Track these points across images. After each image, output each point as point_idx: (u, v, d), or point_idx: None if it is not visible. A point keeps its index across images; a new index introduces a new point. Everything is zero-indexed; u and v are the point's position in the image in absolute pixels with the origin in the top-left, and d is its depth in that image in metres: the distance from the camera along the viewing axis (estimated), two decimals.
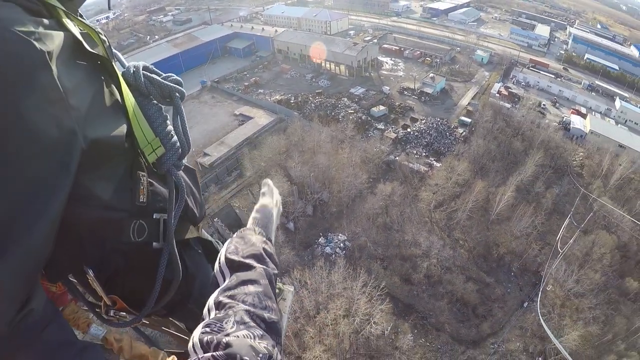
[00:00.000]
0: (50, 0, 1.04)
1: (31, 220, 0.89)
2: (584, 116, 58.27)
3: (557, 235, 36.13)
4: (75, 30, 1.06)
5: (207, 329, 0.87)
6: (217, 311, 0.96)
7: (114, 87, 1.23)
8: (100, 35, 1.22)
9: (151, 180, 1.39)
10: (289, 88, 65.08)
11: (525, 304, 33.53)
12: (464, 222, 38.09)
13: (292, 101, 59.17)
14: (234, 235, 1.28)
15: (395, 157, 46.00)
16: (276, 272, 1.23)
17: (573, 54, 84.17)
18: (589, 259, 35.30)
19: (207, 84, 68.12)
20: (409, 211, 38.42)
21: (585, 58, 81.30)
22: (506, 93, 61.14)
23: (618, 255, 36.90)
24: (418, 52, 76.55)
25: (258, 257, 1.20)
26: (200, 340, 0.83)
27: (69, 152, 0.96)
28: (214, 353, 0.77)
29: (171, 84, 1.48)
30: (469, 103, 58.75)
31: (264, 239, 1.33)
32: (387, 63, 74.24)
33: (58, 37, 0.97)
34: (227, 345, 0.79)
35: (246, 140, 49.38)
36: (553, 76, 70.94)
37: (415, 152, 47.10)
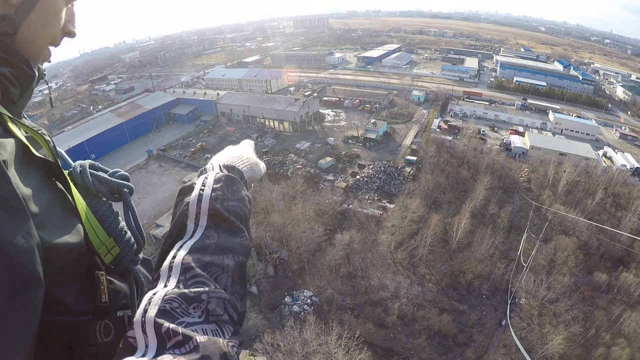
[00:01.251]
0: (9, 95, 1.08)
1: (14, 341, 0.82)
2: (522, 134, 62.65)
3: (519, 250, 37.19)
4: (21, 135, 1.06)
5: (168, 307, 0.76)
6: (182, 278, 0.84)
7: (64, 190, 1.21)
8: (44, 136, 1.20)
9: (110, 278, 1.34)
10: None
11: (503, 322, 33.81)
12: (427, 257, 38.65)
13: None
14: (218, 167, 1.16)
15: (349, 205, 46.53)
16: (251, 243, 1.09)
17: (502, 79, 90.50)
18: (555, 265, 36.97)
19: (153, 153, 67.58)
20: (371, 256, 38.71)
21: (514, 81, 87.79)
22: (446, 127, 64.14)
23: (581, 254, 38.88)
24: (357, 101, 79.27)
25: (242, 218, 1.06)
26: (157, 323, 0.73)
27: (37, 261, 0.92)
28: (176, 353, 0.66)
29: (119, 181, 1.42)
30: (412, 142, 60.99)
31: (249, 194, 1.18)
32: (329, 115, 76.39)
33: (9, 144, 0.96)
34: (196, 348, 0.69)
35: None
36: (487, 103, 75.74)
37: (367, 197, 47.85)
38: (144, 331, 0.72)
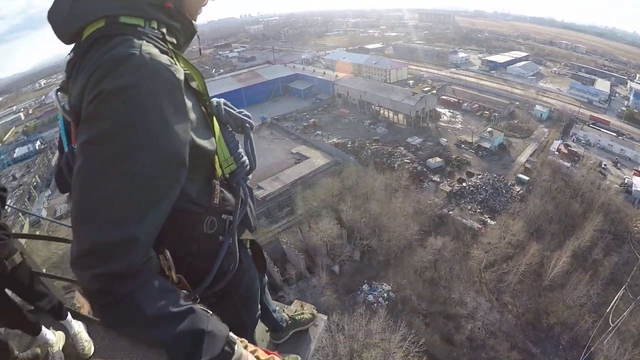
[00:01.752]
0: (172, 47, 1.43)
1: (165, 196, 1.23)
2: None
3: (610, 307, 33.34)
4: (183, 69, 1.39)
5: None
6: None
7: (207, 114, 1.59)
8: (199, 73, 1.54)
9: (222, 189, 1.71)
10: (346, 132, 66.07)
11: None
12: (515, 286, 36.23)
13: (349, 145, 60.03)
14: None
15: (449, 211, 45.15)
16: None
17: (635, 110, 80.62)
18: None
19: (267, 120, 70.36)
20: (459, 268, 37.18)
21: None
22: (566, 151, 58.88)
23: None
24: (476, 105, 76.32)
25: None
26: None
27: (185, 153, 1.29)
28: None
29: (243, 117, 1.85)
30: (527, 160, 57.36)
31: None
32: (445, 114, 74.24)
33: (182, 72, 1.30)
34: None
35: (300, 178, 50.24)
36: (614, 134, 67.75)
37: (469, 207, 46.13)
38: None
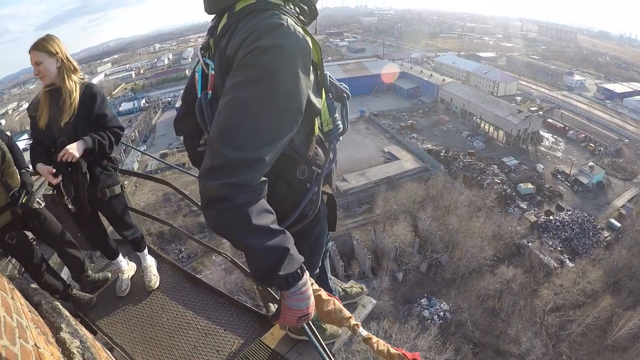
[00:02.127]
0: (305, 23, 1.83)
1: (286, 133, 1.57)
2: None
3: None
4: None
5: None
6: None
7: (319, 81, 1.94)
8: (319, 48, 1.83)
9: (317, 146, 2.07)
10: (442, 140, 65.44)
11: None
12: (576, 337, 34.26)
13: (442, 154, 59.57)
14: None
15: (529, 242, 43.75)
16: None
17: None
18: None
19: (365, 114, 71.28)
20: (523, 304, 36.11)
21: None
22: None
23: None
24: (583, 135, 71.52)
25: None
26: None
27: (304, 103, 1.61)
28: None
29: (342, 87, 2.20)
30: (623, 205, 53.23)
31: None
32: (547, 139, 70.60)
33: (310, 42, 1.63)
34: None
35: (386, 178, 50.91)
36: None
37: (550, 243, 44.32)
38: None
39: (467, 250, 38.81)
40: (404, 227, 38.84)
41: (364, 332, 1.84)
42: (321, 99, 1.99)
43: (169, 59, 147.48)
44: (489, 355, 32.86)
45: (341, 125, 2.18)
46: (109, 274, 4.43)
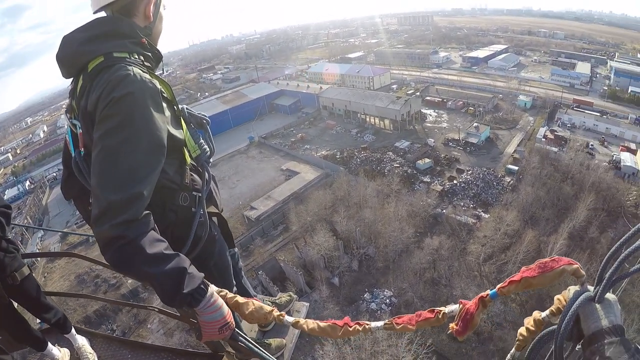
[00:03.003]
0: (151, 67, 2.09)
1: (155, 167, 1.80)
2: (634, 152, 55.10)
3: None
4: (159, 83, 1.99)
5: None
6: None
7: (177, 115, 2.19)
8: (169, 87, 2.12)
9: (191, 173, 2.31)
10: (334, 143, 66.22)
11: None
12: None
13: (337, 156, 60.13)
14: None
15: (442, 210, 45.18)
16: None
17: (616, 88, 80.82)
18: None
19: (254, 140, 70.63)
20: (457, 265, 37.27)
21: (629, 91, 77.03)
22: (552, 137, 59.12)
23: None
24: (461, 102, 76.65)
25: None
26: None
27: (165, 137, 1.85)
28: None
29: (201, 115, 2.50)
30: (515, 150, 57.67)
31: None
32: (430, 115, 74.62)
33: (157, 84, 1.90)
34: None
35: (292, 194, 50.20)
36: (599, 114, 67.83)
37: (462, 204, 46.25)
38: None
39: (390, 236, 39.04)
40: (324, 235, 38.42)
41: (290, 319, 1.91)
42: (182, 129, 2.21)
43: (44, 131, 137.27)
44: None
45: (207, 149, 2.42)
46: None
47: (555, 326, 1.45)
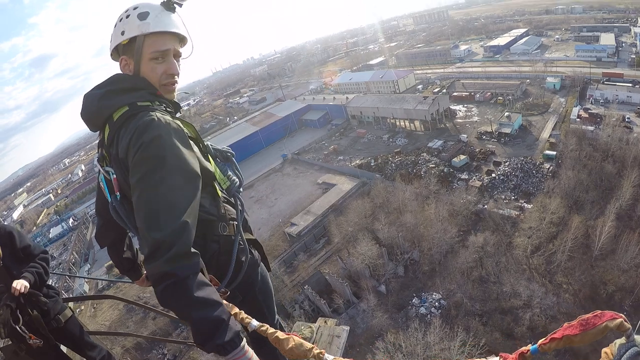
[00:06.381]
0: (172, 113, 2.22)
1: (194, 195, 1.89)
2: None
3: None
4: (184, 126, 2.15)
5: None
6: None
7: (204, 151, 2.36)
8: (192, 126, 2.31)
9: (224, 204, 2.43)
10: (367, 151, 66.34)
11: None
12: (565, 264, 34.95)
13: (372, 164, 60.19)
14: None
15: (484, 205, 44.54)
16: None
17: None
18: None
19: (287, 157, 71.64)
20: (505, 260, 36.36)
21: None
22: (586, 115, 57.26)
23: None
24: (489, 94, 75.49)
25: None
26: None
27: (198, 168, 1.98)
28: None
29: (225, 149, 2.66)
30: (550, 135, 56.20)
31: None
32: (460, 111, 73.69)
33: (180, 123, 2.07)
34: None
35: (331, 207, 50.46)
36: (630, 85, 64.64)
37: (503, 197, 45.44)
38: None
39: (433, 238, 38.72)
40: (367, 244, 38.44)
41: (329, 358, 1.83)
42: (211, 164, 2.37)
43: (82, 170, 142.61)
44: (497, 318, 32.54)
45: (236, 179, 2.59)
46: None
47: None
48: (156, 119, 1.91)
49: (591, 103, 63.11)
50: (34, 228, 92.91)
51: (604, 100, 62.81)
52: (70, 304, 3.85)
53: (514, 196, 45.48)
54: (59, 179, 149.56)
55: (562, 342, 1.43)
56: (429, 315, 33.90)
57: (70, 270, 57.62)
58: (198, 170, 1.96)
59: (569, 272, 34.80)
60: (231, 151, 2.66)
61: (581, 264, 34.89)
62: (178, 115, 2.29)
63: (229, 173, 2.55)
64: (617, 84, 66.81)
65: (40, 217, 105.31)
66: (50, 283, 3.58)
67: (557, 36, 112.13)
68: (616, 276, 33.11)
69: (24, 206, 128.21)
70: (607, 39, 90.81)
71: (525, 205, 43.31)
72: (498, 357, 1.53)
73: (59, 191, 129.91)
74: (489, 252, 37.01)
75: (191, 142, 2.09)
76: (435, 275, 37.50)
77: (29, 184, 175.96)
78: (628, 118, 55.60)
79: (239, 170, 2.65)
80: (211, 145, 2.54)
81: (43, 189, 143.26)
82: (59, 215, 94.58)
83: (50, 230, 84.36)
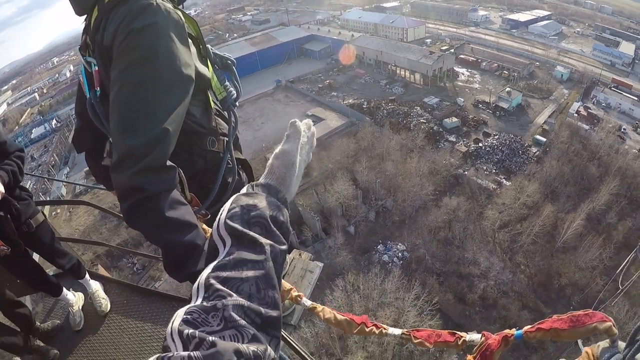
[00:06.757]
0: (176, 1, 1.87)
1: (182, 101, 1.60)
2: None
3: (619, 269, 32.97)
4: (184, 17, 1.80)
5: (189, 318, 0.79)
6: (206, 295, 0.87)
7: (202, 53, 2.02)
8: (195, 22, 1.96)
9: (216, 117, 2.19)
10: (362, 93, 65.31)
11: (580, 342, 30.61)
12: (528, 247, 36.24)
13: (364, 106, 59.51)
14: (241, 192, 1.14)
15: (464, 171, 44.95)
16: (284, 247, 1.05)
17: None
18: None
19: (281, 83, 70.10)
20: (472, 228, 37.40)
21: None
22: (585, 113, 57.18)
23: None
24: (495, 65, 74.28)
25: (265, 227, 1.05)
26: (180, 332, 0.76)
27: (192, 72, 1.67)
28: (193, 353, 0.70)
29: (226, 55, 2.28)
30: (545, 121, 56.04)
31: (276, 200, 1.13)
32: (463, 74, 72.58)
33: (181, 16, 1.70)
34: (211, 345, 0.72)
35: (316, 140, 49.87)
36: (636, 99, 65.44)
37: (485, 168, 45.83)
38: (172, 339, 0.75)
39: (409, 191, 39.23)
40: (344, 183, 38.72)
41: (307, 303, 1.83)
42: (208, 69, 2.03)
43: (70, 71, 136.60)
44: (453, 281, 33.77)
45: (234, 91, 2.22)
46: (57, 321, 4.08)
47: None
48: (155, 4, 1.57)
49: (593, 103, 62.72)
50: (16, 127, 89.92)
51: (606, 104, 62.35)
52: (45, 209, 3.55)
53: (495, 170, 45.92)
54: (45, 78, 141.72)
55: (549, 334, 1.42)
56: (390, 264, 34.86)
57: (49, 172, 56.46)
58: (192, 73, 1.66)
59: (530, 255, 35.97)
60: (232, 59, 2.31)
61: (543, 251, 36.11)
62: (181, 7, 1.97)
63: (227, 83, 2.22)
64: (624, 93, 66.20)
65: (24, 117, 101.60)
66: (25, 185, 3.35)
67: (578, 29, 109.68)
68: (572, 271, 34.39)
69: (8, 104, 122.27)
70: (627, 48, 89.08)
71: (504, 181, 43.90)
72: (480, 335, 1.56)
73: (45, 91, 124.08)
74: (460, 217, 37.76)
75: (190, 40, 1.77)
76: (403, 227, 38.16)
77: (14, 81, 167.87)
78: (624, 129, 55.57)
79: (239, 81, 2.33)
80: (211, 48, 2.19)
81: (28, 88, 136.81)
82: (42, 115, 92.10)
83: (33, 131, 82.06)
